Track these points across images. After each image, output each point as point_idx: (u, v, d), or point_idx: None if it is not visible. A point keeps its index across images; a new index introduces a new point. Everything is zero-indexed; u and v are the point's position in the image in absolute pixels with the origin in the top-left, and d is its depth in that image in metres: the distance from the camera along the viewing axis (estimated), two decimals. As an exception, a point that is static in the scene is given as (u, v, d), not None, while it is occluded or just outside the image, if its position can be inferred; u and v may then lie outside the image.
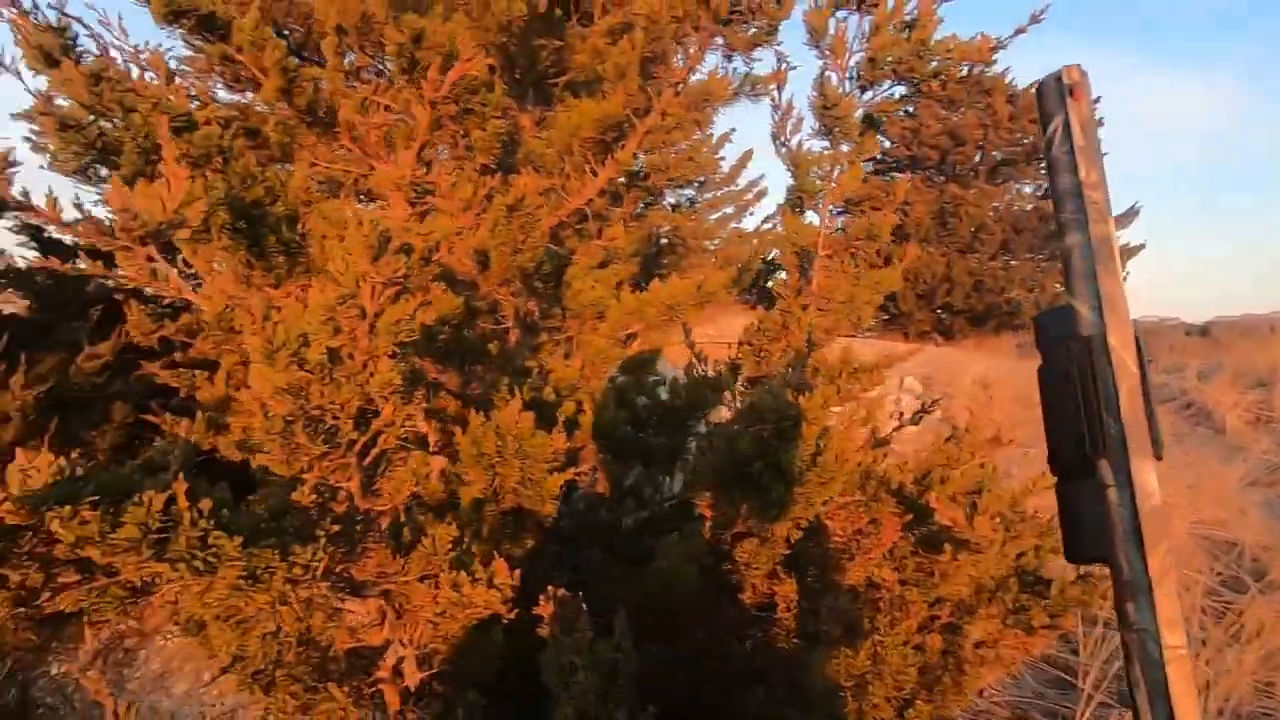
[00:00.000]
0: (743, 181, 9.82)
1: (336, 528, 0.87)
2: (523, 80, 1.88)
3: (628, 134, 1.66)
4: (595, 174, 1.71)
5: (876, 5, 1.55)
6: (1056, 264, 14.45)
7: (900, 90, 1.67)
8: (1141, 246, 14.45)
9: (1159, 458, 0.70)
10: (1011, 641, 1.30)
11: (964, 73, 15.92)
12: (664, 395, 1.88)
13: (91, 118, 1.80)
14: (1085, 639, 3.11)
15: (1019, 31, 1.45)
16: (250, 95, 2.23)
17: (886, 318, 15.12)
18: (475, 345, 1.65)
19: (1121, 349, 0.70)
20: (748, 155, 10.26)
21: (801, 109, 1.75)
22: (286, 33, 3.13)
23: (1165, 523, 0.69)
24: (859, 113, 1.60)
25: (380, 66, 1.85)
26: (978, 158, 15.22)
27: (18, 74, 1.99)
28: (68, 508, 0.76)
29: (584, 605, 1.13)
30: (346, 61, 1.86)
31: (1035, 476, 1.37)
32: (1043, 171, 15.28)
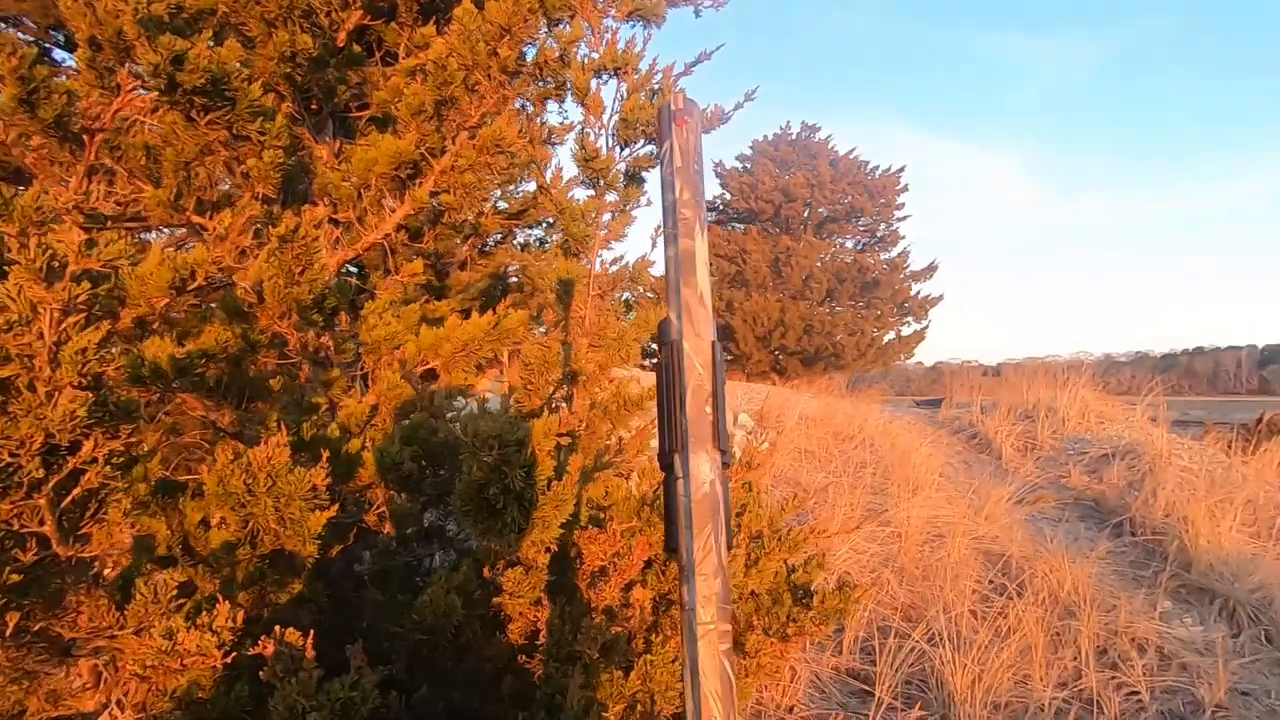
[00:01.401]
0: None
1: (17, 578, 0.78)
2: (320, 111, 1.84)
3: (424, 172, 1.68)
4: (393, 210, 1.71)
5: (628, 73, 1.72)
6: (875, 310, 16.12)
7: (651, 149, 1.86)
8: (941, 297, 16.46)
9: (723, 451, 0.76)
10: (771, 650, 1.41)
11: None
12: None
13: None
14: (879, 650, 3.42)
15: (737, 106, 1.66)
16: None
17: (729, 358, 16.02)
18: (253, 381, 1.56)
19: (694, 353, 0.76)
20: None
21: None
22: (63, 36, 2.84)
23: (714, 509, 0.74)
24: (621, 166, 1.76)
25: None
26: (806, 213, 16.74)
27: None
28: None
29: (363, 646, 1.09)
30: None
31: (789, 500, 1.53)
32: (861, 228, 17.11)
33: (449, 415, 1.66)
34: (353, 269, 2.60)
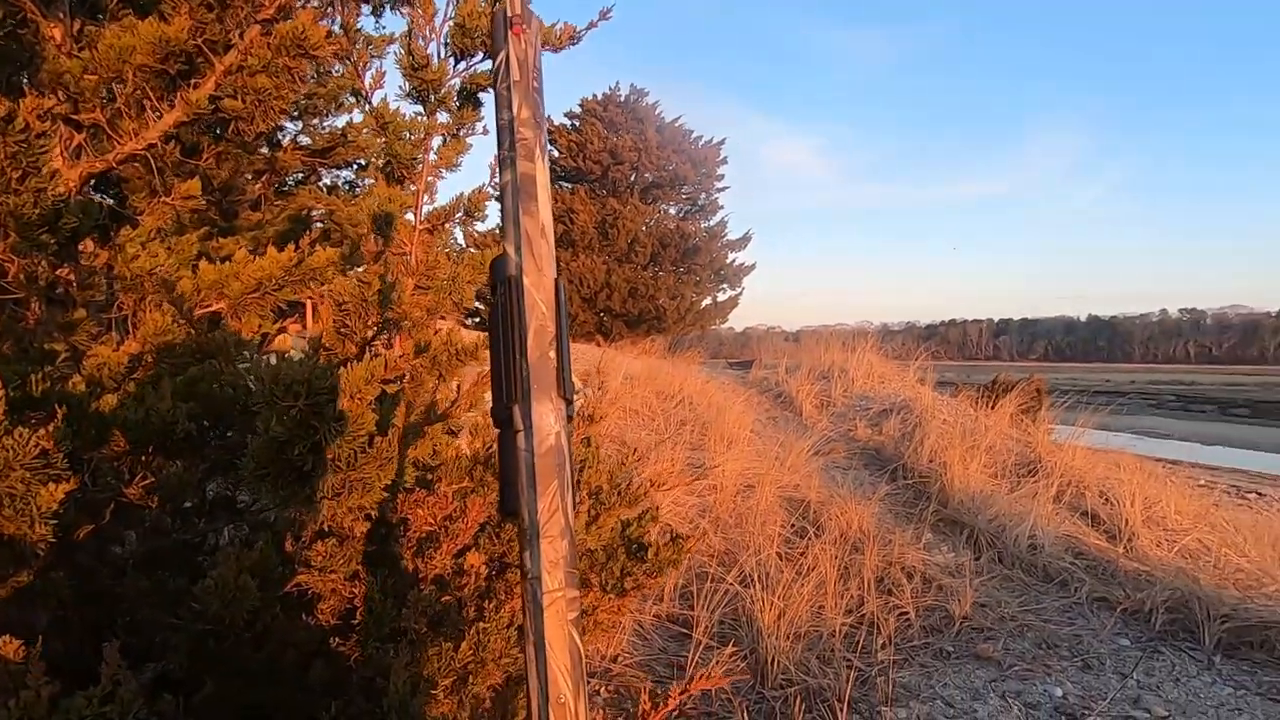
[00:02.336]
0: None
1: None
2: (51, -22, 1.42)
3: (203, 71, 1.36)
4: (160, 114, 1.38)
5: (468, -31, 1.54)
6: (695, 276, 16.84)
7: (489, 64, 1.68)
8: (753, 266, 17.61)
9: (568, 400, 0.68)
10: (608, 606, 1.39)
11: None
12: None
13: None
14: (697, 594, 3.62)
15: (590, 25, 1.56)
16: None
17: (556, 319, 15.94)
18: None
19: (535, 289, 0.67)
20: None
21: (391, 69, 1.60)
22: None
23: (560, 464, 0.66)
24: (455, 82, 1.57)
25: None
26: (633, 177, 16.95)
27: None
28: None
29: (123, 646, 0.87)
30: None
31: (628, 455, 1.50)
32: (684, 195, 17.69)
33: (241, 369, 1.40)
34: (106, 192, 2.12)
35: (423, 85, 1.46)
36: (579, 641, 0.68)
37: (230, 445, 1.44)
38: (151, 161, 1.46)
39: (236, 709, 0.99)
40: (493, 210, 1.83)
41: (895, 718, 2.88)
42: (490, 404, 0.73)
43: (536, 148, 0.71)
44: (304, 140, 7.43)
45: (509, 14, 0.71)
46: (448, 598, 1.11)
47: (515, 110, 0.70)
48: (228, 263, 1.42)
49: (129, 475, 1.39)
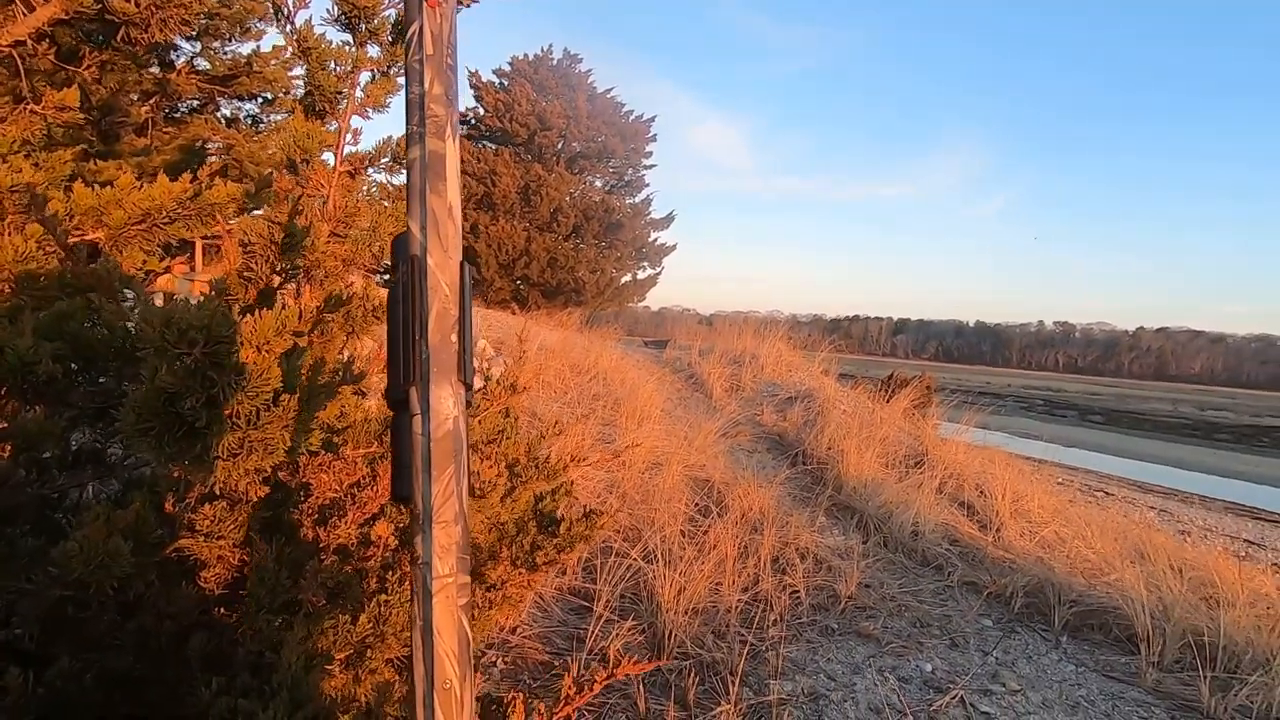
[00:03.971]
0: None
1: None
2: None
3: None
4: (29, 8, 1.18)
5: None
6: (617, 251, 16.77)
7: None
8: (674, 246, 17.74)
9: (467, 385, 0.67)
10: (518, 580, 1.35)
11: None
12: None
13: None
14: (600, 569, 3.64)
15: None
16: None
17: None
18: None
19: (439, 271, 0.66)
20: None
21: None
22: None
23: (457, 449, 0.65)
24: (390, 14, 1.43)
25: None
26: (560, 145, 16.60)
27: None
28: None
29: None
30: None
31: (548, 429, 1.47)
32: (611, 169, 17.52)
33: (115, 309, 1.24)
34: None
35: (353, 11, 1.31)
36: (468, 627, 0.67)
37: (102, 391, 1.29)
38: (18, 62, 1.26)
39: (100, 681, 0.89)
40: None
41: (782, 690, 3.01)
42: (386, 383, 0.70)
43: (448, 125, 0.69)
44: (202, 65, 6.75)
45: None
46: (349, 568, 1.05)
47: (427, 85, 0.68)
48: (108, 188, 1.25)
49: (-25, 420, 1.22)
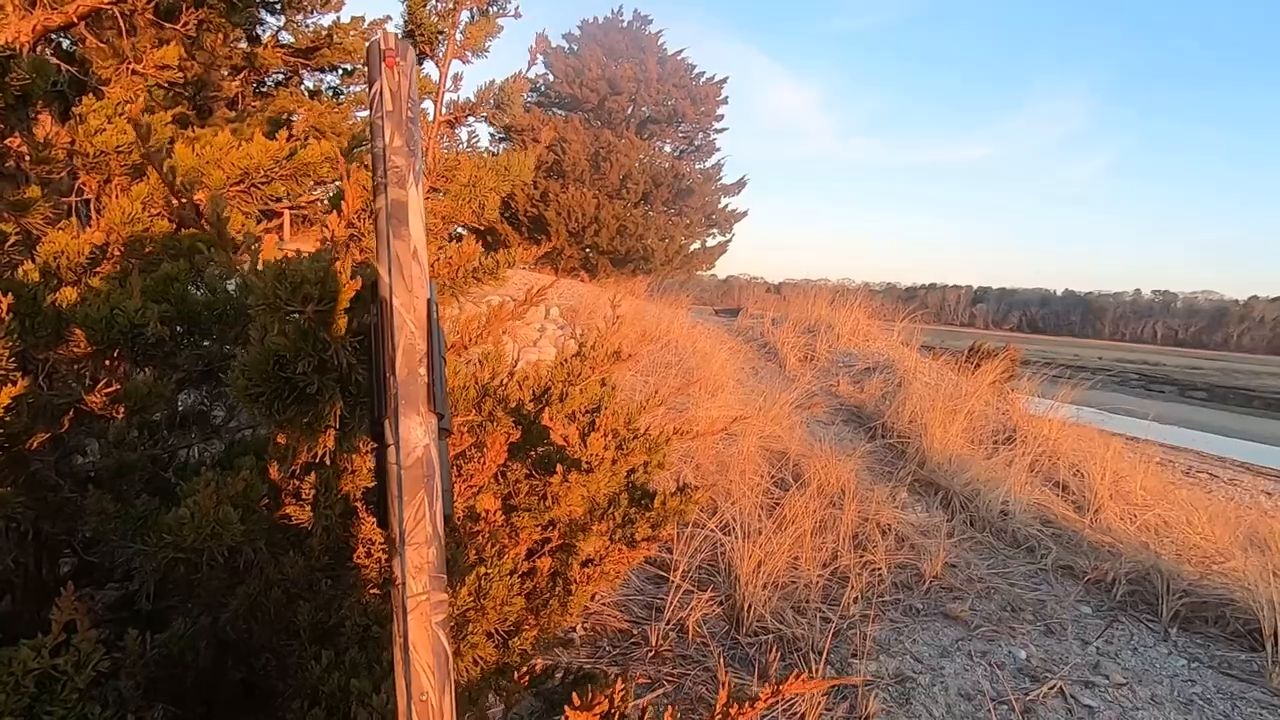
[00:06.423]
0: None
1: None
2: None
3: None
4: (130, -37, 1.17)
5: None
6: (686, 218, 16.52)
7: None
8: (746, 213, 17.30)
9: (440, 414, 0.71)
10: (617, 556, 1.30)
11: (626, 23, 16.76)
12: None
13: None
14: (677, 538, 3.61)
15: None
16: None
17: (543, 253, 15.59)
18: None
19: (404, 310, 0.70)
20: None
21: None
22: None
23: (428, 475, 0.69)
24: None
25: None
26: (630, 110, 16.34)
27: None
28: None
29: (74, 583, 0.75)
30: None
31: (650, 398, 1.39)
32: (681, 134, 17.16)
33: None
34: (69, 63, 1.87)
35: (457, -52, 1.24)
36: (445, 641, 0.70)
37: (206, 355, 1.29)
38: (120, 21, 1.25)
39: (211, 648, 0.89)
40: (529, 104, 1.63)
41: (866, 670, 2.91)
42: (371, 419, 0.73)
43: (409, 174, 0.74)
44: (286, 38, 6.90)
45: (382, 47, 0.73)
46: (451, 542, 1.01)
47: (388, 139, 0.72)
48: (208, 148, 1.24)
49: (90, 381, 1.25)
